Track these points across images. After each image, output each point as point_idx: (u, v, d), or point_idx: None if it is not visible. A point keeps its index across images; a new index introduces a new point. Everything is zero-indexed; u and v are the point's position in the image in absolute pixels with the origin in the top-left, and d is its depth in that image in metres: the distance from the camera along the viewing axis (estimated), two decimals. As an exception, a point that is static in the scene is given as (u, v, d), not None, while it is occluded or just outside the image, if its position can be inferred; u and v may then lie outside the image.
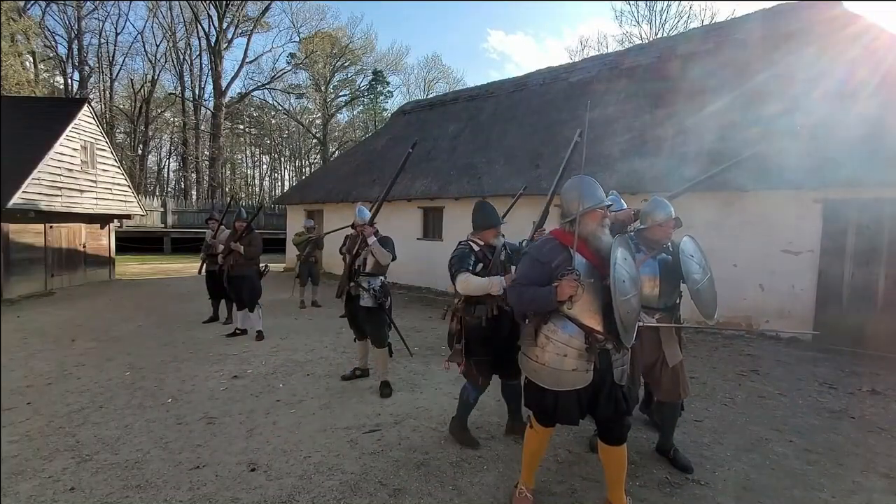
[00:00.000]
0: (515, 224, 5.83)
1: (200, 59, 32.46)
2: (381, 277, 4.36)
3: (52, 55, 27.46)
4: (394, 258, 4.29)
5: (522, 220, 4.99)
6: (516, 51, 58.42)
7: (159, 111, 33.52)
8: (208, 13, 30.31)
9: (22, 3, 23.99)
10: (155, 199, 25.41)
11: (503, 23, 60.14)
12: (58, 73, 28.27)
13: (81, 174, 11.70)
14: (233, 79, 32.47)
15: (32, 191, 10.06)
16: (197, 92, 33.14)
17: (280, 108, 37.18)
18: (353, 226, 4.46)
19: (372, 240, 4.16)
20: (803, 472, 3.03)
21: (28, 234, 10.51)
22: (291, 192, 17.85)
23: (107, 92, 30.74)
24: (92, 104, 12.86)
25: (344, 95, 37.63)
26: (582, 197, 2.29)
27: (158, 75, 31.67)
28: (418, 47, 59.28)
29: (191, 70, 32.60)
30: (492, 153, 10.88)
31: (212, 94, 31.92)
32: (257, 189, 43.06)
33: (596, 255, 2.32)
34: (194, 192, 31.95)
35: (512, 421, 3.49)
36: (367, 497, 2.71)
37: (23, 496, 2.73)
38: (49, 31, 26.80)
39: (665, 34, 24.78)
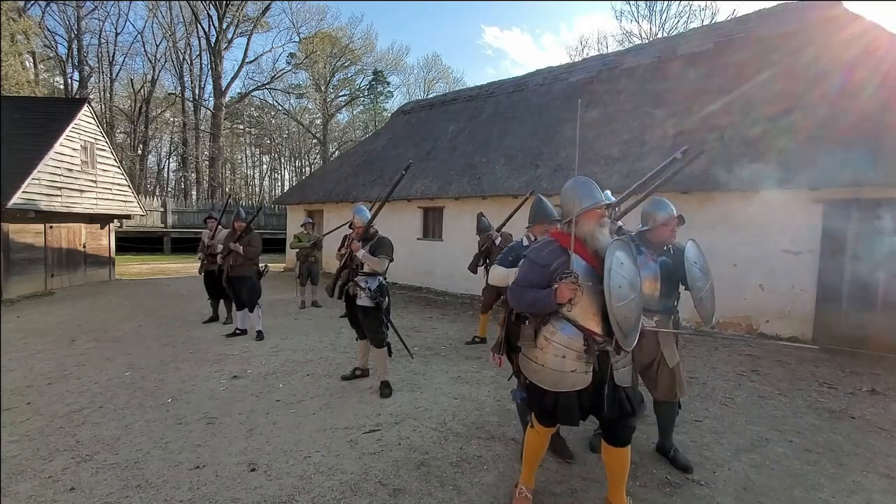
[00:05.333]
0: (516, 226, 5.90)
1: (200, 59, 32.47)
2: (380, 277, 4.36)
3: (52, 55, 27.43)
4: (391, 261, 4.29)
5: (522, 219, 5.14)
6: (512, 47, 58.49)
7: (159, 111, 33.47)
8: (208, 13, 30.29)
9: (22, 3, 23.97)
10: (155, 199, 25.35)
11: (498, 19, 60.22)
12: (58, 73, 28.25)
13: (81, 174, 11.70)
14: (233, 79, 32.47)
15: (32, 191, 10.07)
16: (197, 92, 33.14)
17: (280, 108, 37.20)
18: (350, 225, 4.45)
19: (361, 253, 4.16)
20: (803, 472, 3.03)
21: (28, 234, 10.51)
22: (291, 192, 17.85)
23: (107, 92, 30.71)
24: (92, 104, 12.86)
25: (344, 95, 37.67)
26: (579, 197, 2.29)
27: (158, 75, 31.68)
28: (416, 46, 59.24)
29: (191, 70, 32.59)
30: (491, 153, 10.88)
31: (212, 94, 31.95)
32: (257, 189, 43.07)
33: (595, 256, 2.32)
34: (194, 192, 31.93)
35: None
36: (367, 497, 2.71)
37: (23, 496, 2.73)
38: (49, 31, 26.75)
39: (665, 34, 24.81)
